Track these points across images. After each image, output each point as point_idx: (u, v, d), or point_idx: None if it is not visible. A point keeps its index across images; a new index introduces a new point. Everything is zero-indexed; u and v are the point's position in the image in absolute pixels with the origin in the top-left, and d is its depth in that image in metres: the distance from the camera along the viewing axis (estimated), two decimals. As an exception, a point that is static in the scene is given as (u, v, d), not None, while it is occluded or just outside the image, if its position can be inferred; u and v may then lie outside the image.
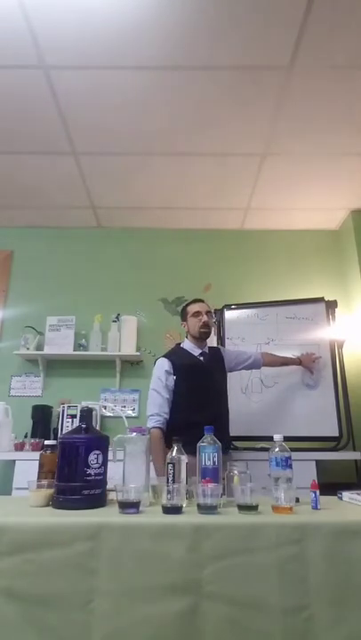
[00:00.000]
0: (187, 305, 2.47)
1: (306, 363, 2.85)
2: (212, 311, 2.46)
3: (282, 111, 2.49)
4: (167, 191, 3.26)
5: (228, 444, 2.31)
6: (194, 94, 2.39)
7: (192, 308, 2.40)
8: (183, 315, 2.47)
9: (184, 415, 2.17)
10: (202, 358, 2.36)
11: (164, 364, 2.28)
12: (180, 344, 2.47)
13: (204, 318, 2.35)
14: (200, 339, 2.37)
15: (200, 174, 3.07)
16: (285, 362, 2.81)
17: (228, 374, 2.54)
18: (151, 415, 2.19)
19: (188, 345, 2.39)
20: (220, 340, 3.20)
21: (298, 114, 2.51)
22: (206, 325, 2.35)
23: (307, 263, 3.63)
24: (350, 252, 3.50)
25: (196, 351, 2.36)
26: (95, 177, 3.10)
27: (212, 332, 2.53)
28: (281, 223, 3.66)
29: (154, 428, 2.15)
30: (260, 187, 3.19)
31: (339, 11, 1.95)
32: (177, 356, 2.34)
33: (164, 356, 2.35)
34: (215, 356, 2.44)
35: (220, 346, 2.56)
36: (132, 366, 3.40)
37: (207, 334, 2.38)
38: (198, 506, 1.25)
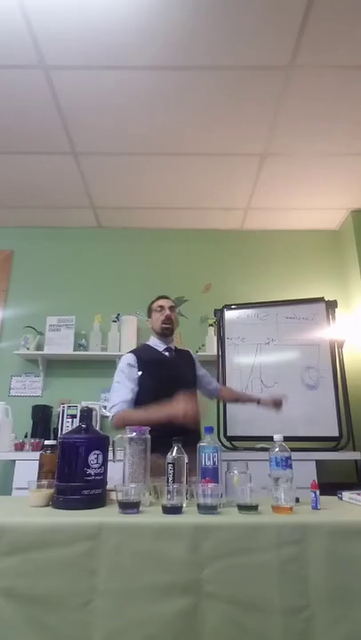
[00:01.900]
0: (152, 302, 2.38)
1: (265, 403, 2.41)
2: (177, 309, 2.38)
3: (282, 111, 2.50)
4: (167, 191, 3.26)
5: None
6: (194, 94, 2.39)
7: (156, 304, 2.33)
8: (148, 312, 2.39)
9: None
10: (167, 354, 2.26)
11: (127, 359, 2.18)
12: (145, 342, 2.38)
13: (167, 312, 2.27)
14: (162, 334, 2.28)
15: (200, 174, 3.07)
16: (240, 398, 2.59)
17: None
18: (113, 405, 2.04)
19: (152, 341, 2.32)
20: (220, 340, 3.20)
21: (298, 114, 2.51)
22: (168, 319, 2.26)
23: (307, 263, 3.63)
24: (350, 252, 3.50)
25: (160, 346, 2.27)
26: (95, 177, 3.11)
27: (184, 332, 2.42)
28: (281, 223, 3.66)
29: (117, 413, 2.00)
30: (260, 187, 3.19)
31: (339, 10, 1.95)
32: (141, 351, 2.26)
33: (129, 352, 2.26)
34: (184, 356, 2.36)
35: (190, 350, 2.46)
36: (132, 366, 3.39)
37: (169, 330, 2.27)
38: (198, 506, 1.25)
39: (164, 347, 2.28)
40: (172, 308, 2.31)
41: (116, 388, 2.11)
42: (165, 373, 2.16)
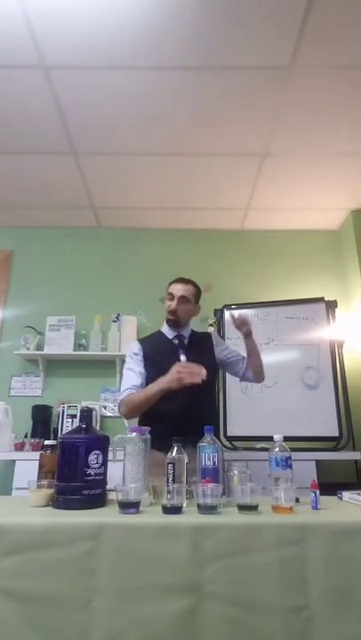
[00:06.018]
0: (168, 285, 2.16)
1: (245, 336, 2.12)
2: (192, 295, 2.11)
3: (282, 111, 2.49)
4: (167, 191, 3.26)
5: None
6: (194, 94, 2.39)
7: (168, 290, 2.12)
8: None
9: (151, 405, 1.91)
10: (177, 342, 2.09)
11: (133, 347, 2.07)
12: (160, 328, 2.19)
13: (173, 305, 2.04)
14: (168, 325, 2.11)
15: (200, 174, 3.07)
16: (252, 346, 2.15)
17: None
18: (122, 392, 1.97)
19: (164, 328, 2.14)
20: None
21: (298, 114, 2.51)
22: (173, 313, 2.05)
23: (307, 263, 3.63)
24: (350, 252, 3.50)
25: (170, 334, 2.10)
26: (95, 177, 3.11)
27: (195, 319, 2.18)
28: (281, 223, 3.66)
29: (122, 399, 1.94)
30: (260, 187, 3.19)
31: (339, 11, 1.95)
32: (150, 339, 2.12)
33: (137, 340, 2.13)
34: (200, 342, 2.15)
35: (212, 332, 2.23)
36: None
37: (173, 322, 2.07)
38: (198, 506, 1.25)
39: (175, 334, 2.11)
40: (182, 298, 2.06)
41: (125, 375, 2.03)
42: (170, 363, 1.92)
